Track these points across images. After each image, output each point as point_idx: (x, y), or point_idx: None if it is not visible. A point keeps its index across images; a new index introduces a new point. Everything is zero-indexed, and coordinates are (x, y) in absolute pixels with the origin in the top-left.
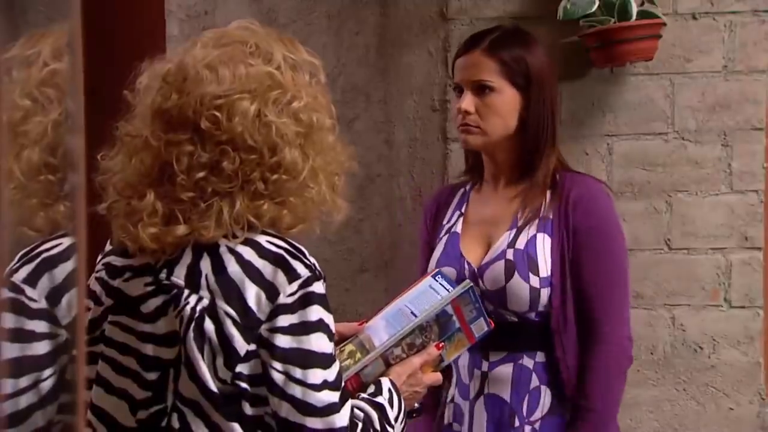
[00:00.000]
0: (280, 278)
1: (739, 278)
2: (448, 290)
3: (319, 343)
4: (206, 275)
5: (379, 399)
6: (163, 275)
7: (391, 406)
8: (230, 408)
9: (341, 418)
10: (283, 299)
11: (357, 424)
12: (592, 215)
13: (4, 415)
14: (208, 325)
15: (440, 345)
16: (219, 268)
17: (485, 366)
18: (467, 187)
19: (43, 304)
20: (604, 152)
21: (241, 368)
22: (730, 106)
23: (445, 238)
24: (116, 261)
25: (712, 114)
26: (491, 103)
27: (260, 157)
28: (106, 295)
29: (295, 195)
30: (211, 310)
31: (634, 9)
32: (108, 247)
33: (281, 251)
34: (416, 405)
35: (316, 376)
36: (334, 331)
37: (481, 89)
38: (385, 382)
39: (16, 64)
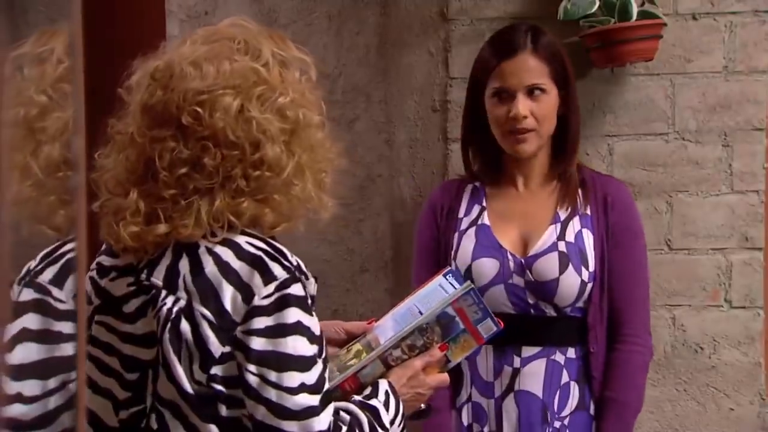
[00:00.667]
0: (257, 280)
1: (740, 279)
2: (456, 288)
3: (296, 345)
4: (184, 276)
5: (373, 401)
6: (143, 275)
7: (387, 409)
8: (206, 410)
9: (320, 422)
10: (258, 301)
11: (341, 428)
12: (626, 215)
13: (27, 417)
14: (185, 326)
15: (444, 346)
16: (197, 268)
17: (517, 362)
18: (477, 184)
19: (70, 305)
20: (605, 152)
21: (216, 370)
22: (730, 106)
23: (472, 231)
24: (105, 260)
25: (712, 114)
26: (544, 106)
27: (242, 153)
28: (95, 294)
29: (279, 192)
30: (188, 312)
31: (635, 9)
32: (103, 247)
33: (259, 252)
34: (422, 406)
35: (292, 379)
36: (317, 332)
37: (532, 92)
38: (383, 384)
39: (29, 61)
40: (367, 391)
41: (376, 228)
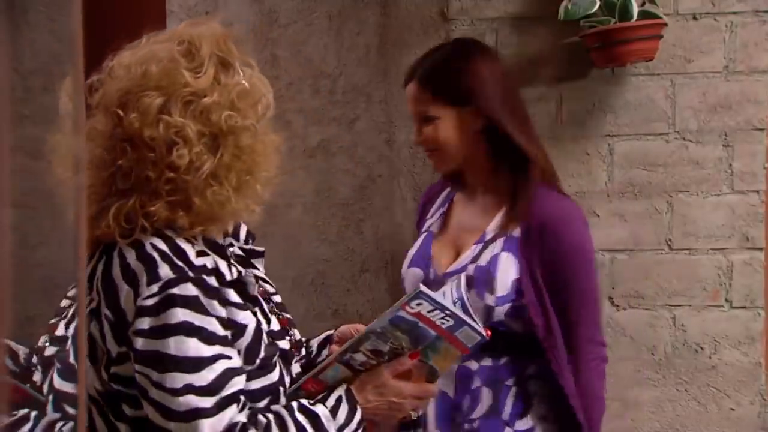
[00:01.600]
0: (143, 279)
1: (740, 279)
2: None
3: (179, 346)
4: (98, 277)
5: (317, 407)
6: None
7: (334, 414)
8: (114, 408)
9: (210, 425)
10: (141, 301)
11: (247, 429)
12: (565, 239)
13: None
14: (93, 327)
15: (415, 354)
16: (107, 269)
17: None
18: (449, 189)
19: None
20: (605, 153)
21: (115, 369)
22: (731, 106)
23: (422, 237)
24: None
25: (713, 114)
26: (438, 131)
27: (157, 154)
28: None
29: (196, 195)
30: (97, 313)
31: (635, 9)
32: None
33: (155, 253)
34: (413, 416)
35: (174, 380)
36: (220, 332)
37: (426, 120)
38: (338, 390)
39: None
40: (324, 395)
41: (377, 228)
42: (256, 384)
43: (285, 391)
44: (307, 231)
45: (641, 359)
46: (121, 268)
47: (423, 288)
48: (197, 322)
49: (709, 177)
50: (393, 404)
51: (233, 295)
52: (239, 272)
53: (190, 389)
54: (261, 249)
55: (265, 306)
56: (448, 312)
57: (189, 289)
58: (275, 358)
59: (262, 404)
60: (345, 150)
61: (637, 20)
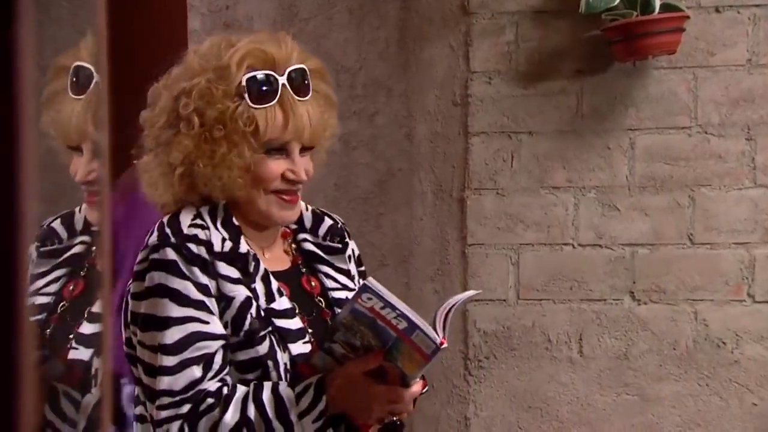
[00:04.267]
0: (142, 248)
1: (763, 273)
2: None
3: (152, 306)
4: None
5: (286, 390)
6: None
7: (298, 400)
8: (132, 369)
9: (170, 382)
10: (135, 267)
11: (207, 397)
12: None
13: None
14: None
15: (379, 353)
16: None
17: None
18: None
19: None
20: (626, 146)
21: (127, 333)
22: (753, 99)
23: None
24: None
25: (735, 108)
26: None
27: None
28: None
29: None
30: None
31: (657, 2)
32: None
33: (159, 222)
34: (396, 421)
35: (153, 338)
36: (194, 295)
37: None
38: (313, 378)
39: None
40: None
41: (396, 222)
42: (243, 355)
43: (276, 366)
44: None
45: (663, 354)
46: None
47: (369, 280)
48: (171, 284)
49: (731, 171)
50: (361, 403)
51: (225, 268)
52: (233, 248)
53: (158, 348)
54: (338, 245)
55: (273, 285)
56: (398, 311)
57: (168, 254)
58: (265, 333)
59: (251, 376)
60: (365, 144)
61: (659, 13)
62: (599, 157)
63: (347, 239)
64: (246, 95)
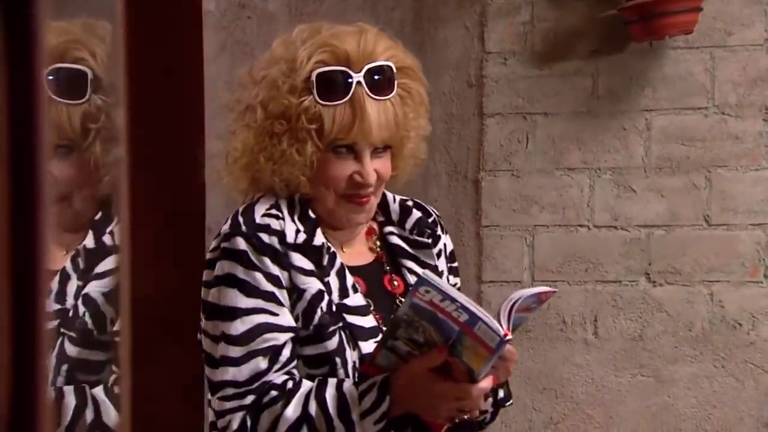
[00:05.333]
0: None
1: None
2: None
3: (219, 296)
4: None
5: (350, 387)
6: None
7: (361, 399)
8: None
9: (234, 373)
10: (207, 255)
11: (270, 389)
12: None
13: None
14: None
15: (442, 349)
16: None
17: None
18: None
19: None
20: (642, 127)
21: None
22: None
23: None
24: None
25: (753, 88)
26: None
27: None
28: None
29: None
30: None
31: None
32: None
33: (235, 211)
34: (466, 417)
35: (216, 327)
36: (263, 287)
37: None
38: (379, 377)
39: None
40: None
41: None
42: (311, 350)
43: (344, 363)
44: None
45: (678, 335)
46: None
47: (426, 273)
48: (240, 275)
49: (748, 152)
50: (427, 401)
51: (299, 259)
52: (307, 240)
53: (223, 337)
54: (425, 240)
55: (348, 281)
56: (458, 304)
57: (238, 243)
58: (335, 328)
59: (318, 372)
60: None
61: None
62: (615, 138)
63: (439, 233)
64: (314, 91)
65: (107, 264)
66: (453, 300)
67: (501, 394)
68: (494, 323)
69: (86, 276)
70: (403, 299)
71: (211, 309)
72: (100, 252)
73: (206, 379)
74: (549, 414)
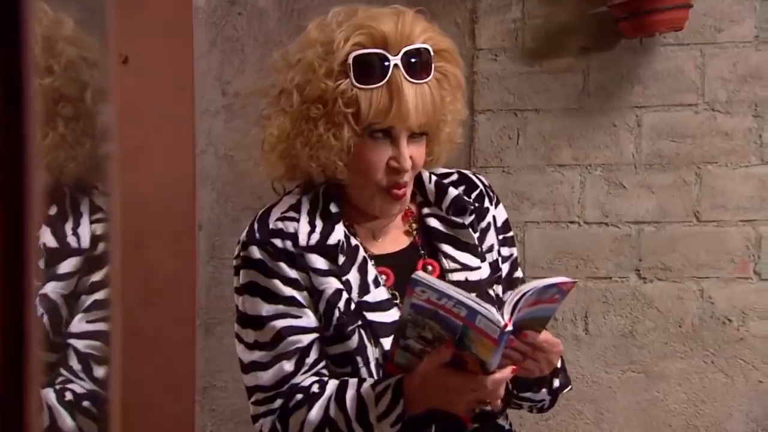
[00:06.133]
0: None
1: None
2: None
3: (247, 305)
4: None
5: (368, 390)
6: None
7: (377, 401)
8: None
9: (262, 377)
10: (233, 261)
11: (297, 392)
12: None
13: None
14: None
15: (449, 343)
16: None
17: None
18: None
19: None
20: (633, 124)
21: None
22: (761, 76)
23: None
24: None
25: (743, 84)
26: None
27: None
28: None
29: None
30: None
31: None
32: None
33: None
34: (487, 408)
35: (248, 335)
36: (284, 293)
37: None
38: (393, 378)
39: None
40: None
41: None
42: (334, 350)
43: (366, 362)
44: None
45: (668, 332)
46: None
47: (417, 274)
48: (260, 283)
49: (738, 148)
50: (441, 396)
51: (315, 260)
52: (320, 241)
53: (256, 345)
54: (460, 221)
55: (370, 275)
56: (455, 300)
57: (254, 252)
58: (354, 327)
59: (343, 370)
60: None
61: None
62: (605, 134)
63: (487, 204)
64: (351, 74)
65: (69, 265)
66: (449, 297)
67: (556, 383)
68: (493, 315)
69: (45, 276)
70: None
71: (241, 317)
72: (63, 252)
73: (243, 384)
74: None
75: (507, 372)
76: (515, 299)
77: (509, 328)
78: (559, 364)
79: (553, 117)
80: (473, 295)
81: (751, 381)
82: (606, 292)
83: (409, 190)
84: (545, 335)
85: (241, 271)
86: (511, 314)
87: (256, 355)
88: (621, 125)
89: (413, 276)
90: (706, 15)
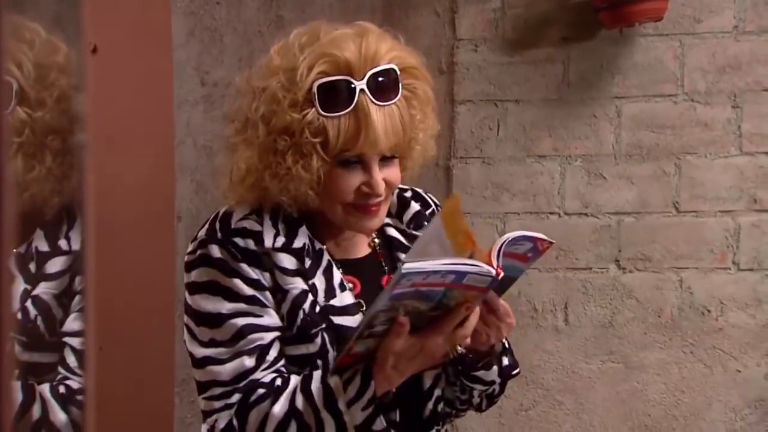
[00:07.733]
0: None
1: (748, 241)
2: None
3: (204, 303)
4: None
5: (333, 378)
6: None
7: (345, 388)
8: None
9: (219, 372)
10: (185, 258)
11: (258, 387)
12: None
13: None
14: None
15: (403, 319)
16: None
17: None
18: None
19: None
20: (613, 114)
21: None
22: (740, 67)
23: None
24: None
25: (722, 75)
26: None
27: None
28: None
29: None
30: None
31: None
32: None
33: (215, 214)
34: (459, 352)
35: (203, 333)
36: (245, 292)
37: None
38: (360, 365)
39: None
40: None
41: None
42: (295, 351)
43: (326, 365)
44: None
45: (648, 322)
46: None
47: (406, 267)
48: (221, 282)
49: (717, 139)
50: (422, 359)
51: (283, 259)
52: (285, 243)
53: (213, 343)
54: (419, 234)
55: (336, 280)
56: (442, 272)
57: (214, 251)
58: (318, 330)
59: (302, 372)
60: None
61: None
62: (585, 125)
63: None
64: (316, 103)
65: (58, 264)
66: (436, 272)
67: (506, 361)
68: (483, 268)
69: (36, 278)
70: None
71: (195, 315)
72: (53, 254)
73: (194, 380)
74: (519, 401)
75: (476, 316)
76: (499, 246)
77: (502, 274)
78: (507, 346)
79: (534, 107)
80: (460, 259)
81: (730, 371)
82: (586, 282)
83: (385, 207)
84: (502, 302)
85: (199, 269)
86: (497, 261)
87: (213, 351)
88: (601, 116)
89: (403, 270)
90: (685, 5)
